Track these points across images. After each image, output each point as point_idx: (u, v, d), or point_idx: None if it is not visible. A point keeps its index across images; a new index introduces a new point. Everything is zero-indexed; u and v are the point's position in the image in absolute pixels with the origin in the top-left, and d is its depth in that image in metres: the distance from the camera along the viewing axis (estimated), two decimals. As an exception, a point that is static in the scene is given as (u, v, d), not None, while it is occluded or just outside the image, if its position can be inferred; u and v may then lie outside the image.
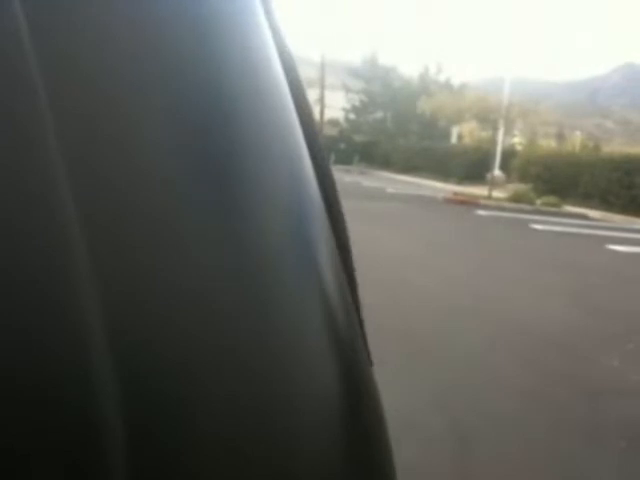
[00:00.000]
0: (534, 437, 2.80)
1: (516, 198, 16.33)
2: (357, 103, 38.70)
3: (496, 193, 17.01)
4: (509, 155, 22.78)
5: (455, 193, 17.39)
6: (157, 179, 0.20)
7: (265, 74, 0.27)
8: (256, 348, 0.22)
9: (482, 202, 15.72)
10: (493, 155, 19.89)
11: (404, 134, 33.96)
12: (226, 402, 0.21)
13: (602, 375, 3.75)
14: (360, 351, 0.29)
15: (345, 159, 32.45)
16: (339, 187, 0.34)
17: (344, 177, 21.17)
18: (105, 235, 0.19)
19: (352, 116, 39.04)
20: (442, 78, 37.03)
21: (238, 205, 0.23)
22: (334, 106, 35.69)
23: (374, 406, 0.29)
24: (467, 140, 31.65)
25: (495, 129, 19.77)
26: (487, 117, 19.96)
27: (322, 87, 32.94)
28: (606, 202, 16.64)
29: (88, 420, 0.18)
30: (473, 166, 23.16)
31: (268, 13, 0.30)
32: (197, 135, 0.22)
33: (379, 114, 38.20)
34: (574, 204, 17.02)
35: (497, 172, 20.06)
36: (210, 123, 0.23)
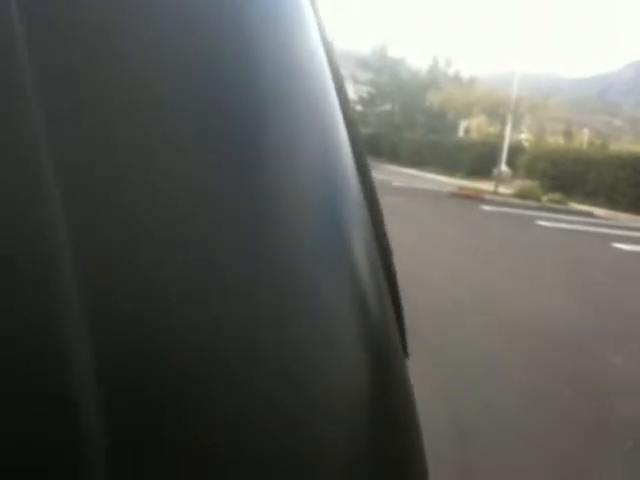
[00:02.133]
0: (537, 436, 2.78)
1: (522, 194, 16.24)
2: (365, 95, 38.51)
3: (502, 189, 16.93)
4: (516, 151, 22.64)
5: (461, 187, 17.31)
6: (173, 170, 0.20)
7: (309, 68, 0.27)
8: (276, 345, 0.22)
9: (488, 197, 15.64)
10: (500, 150, 19.79)
11: (411, 127, 33.79)
12: (241, 394, 0.21)
13: (606, 374, 3.72)
14: (392, 342, 0.29)
15: (351, 151, 32.25)
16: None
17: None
18: (97, 231, 0.18)
19: (359, 108, 38.85)
20: (451, 71, 36.82)
21: (265, 198, 0.22)
22: (341, 97, 35.46)
23: (404, 396, 0.29)
24: (474, 134, 31.45)
25: (503, 124, 19.66)
26: (495, 111, 19.86)
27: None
28: (612, 200, 16.56)
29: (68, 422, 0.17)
30: (480, 161, 23.03)
31: (314, 7, 0.30)
32: (225, 128, 0.22)
33: (387, 106, 38.00)
34: (580, 201, 16.94)
35: (504, 167, 19.95)
36: (244, 115, 0.22)
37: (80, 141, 0.19)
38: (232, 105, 0.22)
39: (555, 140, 37.11)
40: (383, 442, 0.27)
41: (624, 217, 15.02)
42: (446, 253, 7.25)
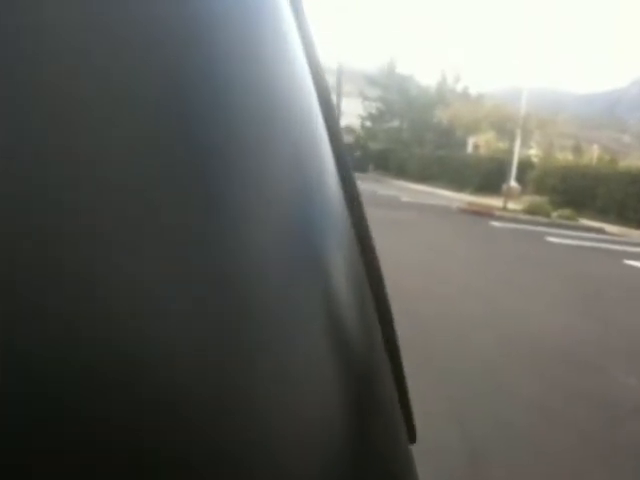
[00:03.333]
0: (551, 461, 2.70)
1: (531, 210, 16.16)
2: (374, 111, 38.64)
3: (511, 204, 16.86)
4: (525, 167, 22.59)
5: (469, 203, 17.25)
6: (126, 182, 0.19)
7: (290, 84, 0.26)
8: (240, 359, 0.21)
9: (497, 213, 15.57)
10: (509, 166, 19.74)
11: (420, 143, 33.81)
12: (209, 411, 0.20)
13: (618, 392, 3.64)
14: (374, 355, 0.28)
15: (360, 167, 32.36)
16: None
17: (359, 185, 21.02)
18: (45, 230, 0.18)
19: (368, 124, 38.97)
20: (459, 87, 36.91)
21: (231, 215, 0.21)
22: (350, 113, 35.66)
23: (389, 431, 0.28)
24: (483, 150, 31.43)
25: (512, 140, 19.63)
26: (504, 127, 19.83)
27: (339, 94, 32.91)
28: (623, 217, 16.44)
29: None
30: (489, 177, 23.00)
31: (298, 20, 0.29)
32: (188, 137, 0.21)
33: (395, 122, 38.09)
34: (591, 218, 16.84)
35: (513, 183, 19.90)
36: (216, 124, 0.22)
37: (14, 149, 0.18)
38: (195, 121, 0.21)
39: (564, 156, 37.01)
40: (362, 472, 0.26)
41: (636, 234, 14.89)
42: (456, 269, 7.17)
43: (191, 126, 0.21)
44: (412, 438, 0.33)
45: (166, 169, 0.20)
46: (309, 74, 0.29)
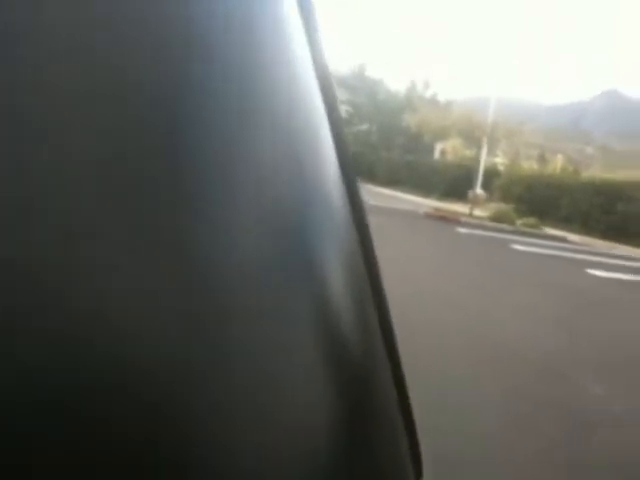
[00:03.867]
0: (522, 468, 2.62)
1: (497, 217, 16.27)
2: (343, 114, 38.59)
3: (477, 211, 16.95)
4: (491, 174, 22.77)
5: (436, 209, 17.30)
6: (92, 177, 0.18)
7: (295, 89, 0.26)
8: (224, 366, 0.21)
9: (463, 219, 15.64)
10: (475, 173, 19.87)
11: (388, 147, 33.92)
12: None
13: (584, 401, 3.59)
14: (372, 363, 0.27)
15: (327, 169, 32.23)
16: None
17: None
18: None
19: (337, 126, 38.93)
20: (428, 94, 37.13)
21: (223, 224, 0.21)
22: (319, 115, 35.55)
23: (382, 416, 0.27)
24: (450, 157, 31.66)
25: (479, 147, 19.77)
26: (471, 135, 19.96)
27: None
28: (586, 226, 16.67)
29: None
30: (455, 183, 23.14)
31: (308, 25, 0.29)
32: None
33: (364, 126, 38.17)
34: (554, 226, 17.03)
35: (479, 190, 20.03)
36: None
37: None
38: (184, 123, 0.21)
39: (529, 165, 37.50)
40: None
41: (600, 244, 15.08)
42: (422, 273, 7.11)
43: (180, 128, 0.20)
44: (416, 459, 0.32)
45: (150, 169, 0.19)
46: (314, 77, 0.28)
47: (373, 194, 22.22)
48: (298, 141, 0.26)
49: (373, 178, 30.44)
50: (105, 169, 0.19)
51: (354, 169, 0.32)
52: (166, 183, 0.20)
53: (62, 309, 0.18)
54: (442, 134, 23.20)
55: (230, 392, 0.21)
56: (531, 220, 16.48)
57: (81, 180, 0.18)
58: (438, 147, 33.00)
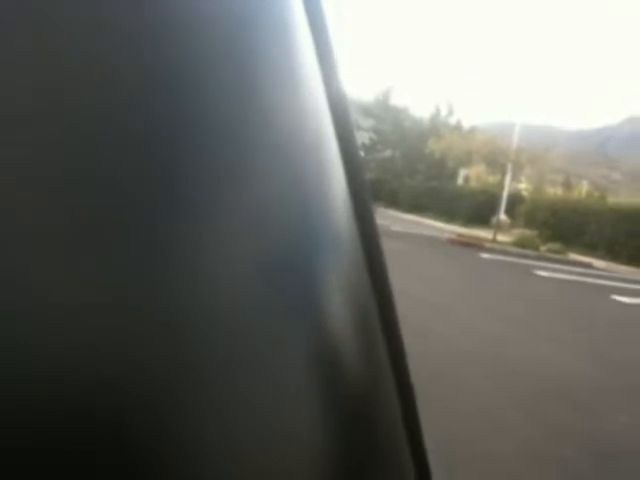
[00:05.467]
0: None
1: (521, 243, 16.18)
2: (366, 141, 38.88)
3: (501, 237, 16.87)
4: (515, 200, 22.71)
5: (459, 234, 17.26)
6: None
7: (295, 94, 0.25)
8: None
9: (487, 245, 15.57)
10: (499, 199, 19.82)
11: (411, 174, 34.01)
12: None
13: (605, 427, 3.57)
14: (373, 378, 0.27)
15: (351, 195, 32.34)
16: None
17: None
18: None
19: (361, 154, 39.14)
20: (453, 120, 37.24)
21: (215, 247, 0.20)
22: (343, 142, 35.76)
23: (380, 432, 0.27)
24: (474, 183, 31.60)
25: (503, 173, 19.73)
26: (495, 161, 19.93)
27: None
28: (612, 252, 16.49)
29: None
30: (478, 209, 23.09)
31: (320, 49, 0.28)
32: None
33: (388, 153, 38.35)
34: (579, 252, 16.87)
35: (502, 216, 19.97)
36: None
37: None
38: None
39: (554, 191, 37.29)
40: None
41: (624, 269, 14.91)
42: (446, 300, 7.11)
43: (175, 128, 0.20)
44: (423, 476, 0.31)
45: (138, 167, 0.19)
46: (322, 85, 0.28)
47: (396, 220, 22.23)
48: (302, 161, 0.25)
49: (397, 204, 30.51)
50: (100, 170, 0.18)
51: (368, 191, 0.31)
52: (155, 181, 0.19)
53: (47, 312, 0.17)
54: (466, 160, 23.19)
55: (228, 404, 0.21)
56: (556, 246, 16.34)
57: (80, 183, 0.18)
58: (462, 173, 32.97)
